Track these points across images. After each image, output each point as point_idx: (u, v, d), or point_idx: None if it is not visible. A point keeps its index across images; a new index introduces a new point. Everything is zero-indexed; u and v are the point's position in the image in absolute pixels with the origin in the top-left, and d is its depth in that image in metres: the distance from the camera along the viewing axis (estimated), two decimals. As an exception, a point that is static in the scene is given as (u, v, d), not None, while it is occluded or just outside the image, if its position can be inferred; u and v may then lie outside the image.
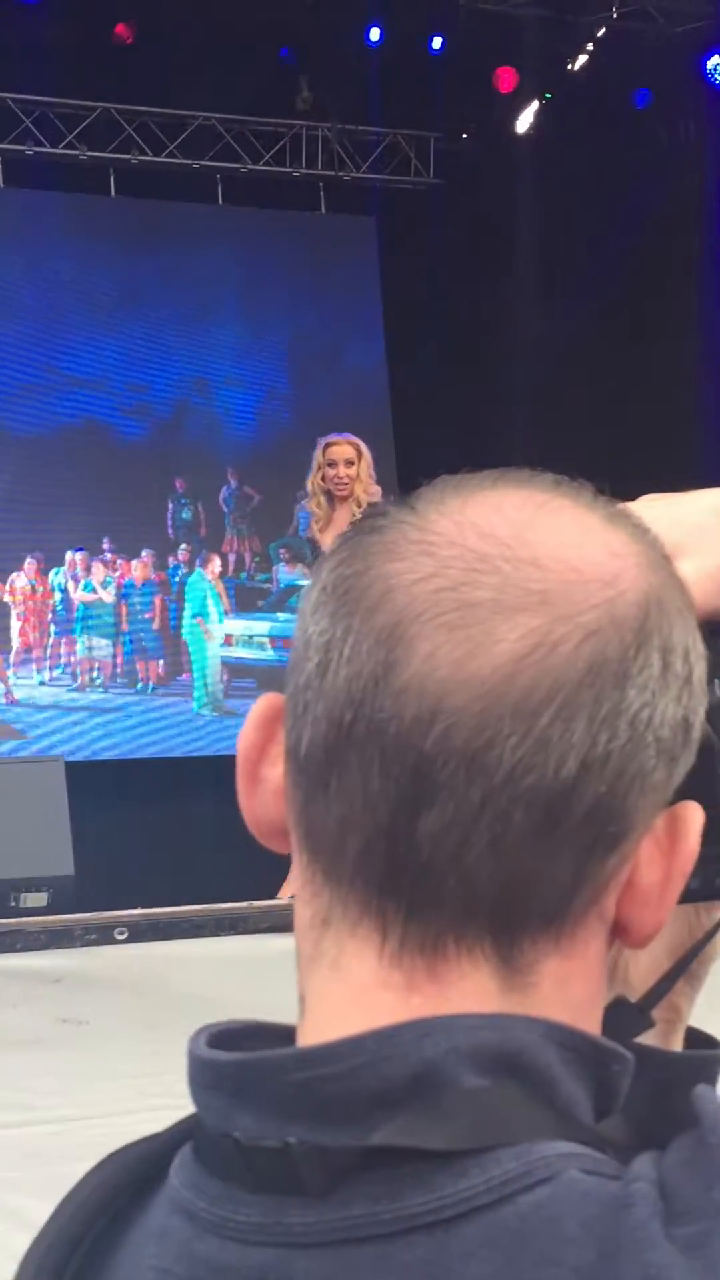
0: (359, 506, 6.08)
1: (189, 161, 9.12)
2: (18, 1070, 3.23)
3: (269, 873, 5.82)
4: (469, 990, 0.60)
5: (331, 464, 6.05)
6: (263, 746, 0.67)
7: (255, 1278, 0.58)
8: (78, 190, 9.08)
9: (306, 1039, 0.63)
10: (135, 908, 3.82)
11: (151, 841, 6.18)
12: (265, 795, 0.67)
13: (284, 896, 5.17)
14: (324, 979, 0.63)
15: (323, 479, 6.07)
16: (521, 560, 0.61)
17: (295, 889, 0.66)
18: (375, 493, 6.18)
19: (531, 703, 0.59)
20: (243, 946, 3.51)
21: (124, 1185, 0.66)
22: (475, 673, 0.59)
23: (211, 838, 8.04)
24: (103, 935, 3.36)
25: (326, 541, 6.09)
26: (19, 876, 3.66)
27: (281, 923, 3.55)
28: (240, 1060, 0.61)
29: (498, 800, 0.58)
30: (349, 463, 6.07)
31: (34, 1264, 0.65)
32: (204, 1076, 0.62)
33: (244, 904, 3.55)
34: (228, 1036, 0.64)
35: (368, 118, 9.27)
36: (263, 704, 0.68)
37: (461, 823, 0.59)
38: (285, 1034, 0.66)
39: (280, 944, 3.56)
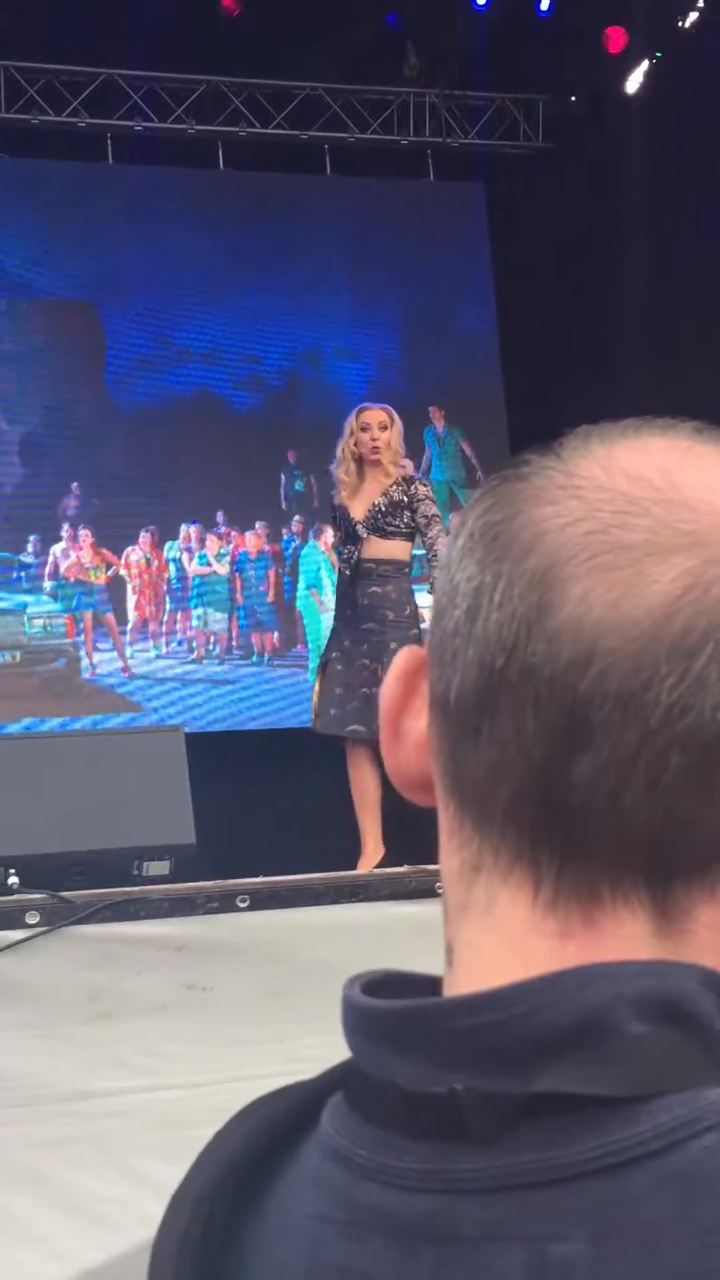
0: (386, 476, 6.08)
1: (296, 132, 9.11)
2: (145, 1036, 3.27)
3: (391, 838, 5.83)
4: (624, 937, 0.60)
5: (365, 428, 6.10)
6: (405, 699, 0.67)
7: (420, 1222, 0.58)
8: (186, 165, 9.11)
9: (457, 988, 0.63)
10: (255, 876, 3.85)
11: (268, 811, 6.22)
12: (408, 748, 0.67)
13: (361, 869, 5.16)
14: (475, 928, 0.63)
15: (355, 444, 6.10)
16: (672, 502, 0.61)
17: (442, 838, 0.66)
18: (406, 465, 6.19)
19: (688, 643, 0.58)
20: (363, 914, 3.52)
21: (274, 1133, 0.67)
22: (629, 614, 0.58)
23: (328, 807, 8.09)
24: (225, 903, 3.39)
25: (356, 509, 6.05)
26: (141, 845, 3.70)
27: (402, 890, 3.56)
28: (400, 1008, 0.61)
29: (654, 742, 0.58)
30: (382, 427, 6.12)
31: (186, 1211, 0.66)
32: (362, 1024, 0.62)
33: (364, 872, 3.55)
34: (377, 986, 0.64)
35: (475, 82, 9.20)
36: (404, 657, 0.68)
37: (617, 766, 0.58)
38: (430, 984, 0.66)
39: (401, 911, 3.57)
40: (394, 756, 0.68)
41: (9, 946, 3.25)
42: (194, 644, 8.80)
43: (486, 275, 9.55)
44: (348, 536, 6.09)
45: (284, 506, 9.12)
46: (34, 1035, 3.25)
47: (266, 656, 8.91)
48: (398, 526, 6.06)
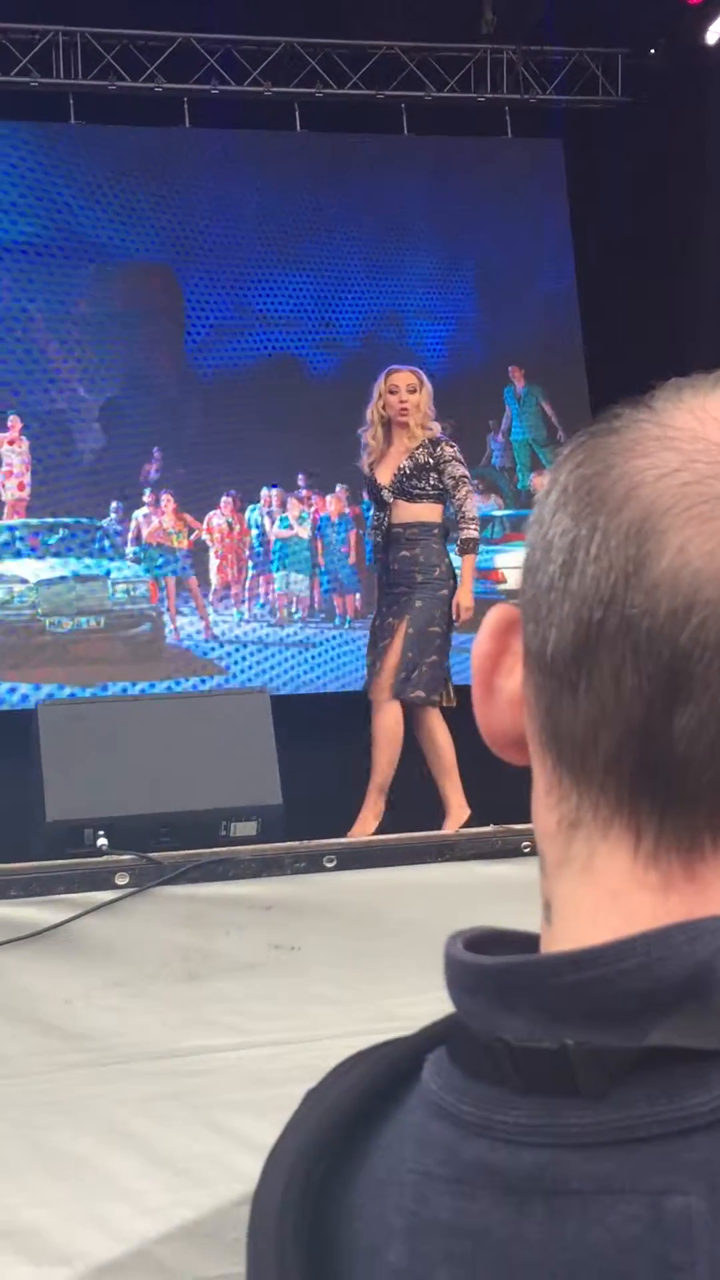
0: (413, 439, 6.03)
1: (373, 92, 9.06)
2: (234, 995, 3.30)
3: (474, 797, 5.84)
4: None
5: (394, 390, 6.09)
6: (497, 657, 0.67)
7: (529, 1177, 0.58)
8: (263, 127, 9.09)
9: (557, 944, 0.63)
10: (341, 837, 3.87)
11: (352, 773, 6.23)
12: (500, 705, 0.67)
13: (354, 835, 5.19)
14: (574, 883, 0.63)
15: (384, 406, 6.07)
16: None
17: (536, 795, 0.66)
18: (434, 428, 6.13)
19: None
20: (449, 874, 3.52)
21: (372, 1089, 0.67)
22: None
23: (411, 768, 8.10)
24: (312, 863, 3.40)
25: (382, 474, 6.03)
26: (229, 806, 3.72)
27: (488, 850, 3.57)
28: (506, 964, 0.61)
29: None
30: (411, 390, 6.10)
31: (285, 1167, 0.66)
32: (466, 980, 0.63)
33: (451, 832, 3.56)
34: (477, 942, 0.64)
35: (552, 37, 9.10)
36: (496, 614, 0.68)
37: (718, 717, 0.58)
38: (529, 941, 0.66)
39: (487, 871, 3.57)
40: (486, 714, 0.68)
41: (99, 907, 3.29)
42: (276, 607, 8.82)
43: (565, 232, 9.47)
44: (377, 503, 6.09)
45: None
46: (124, 994, 3.28)
47: (348, 618, 8.92)
48: (425, 489, 6.03)
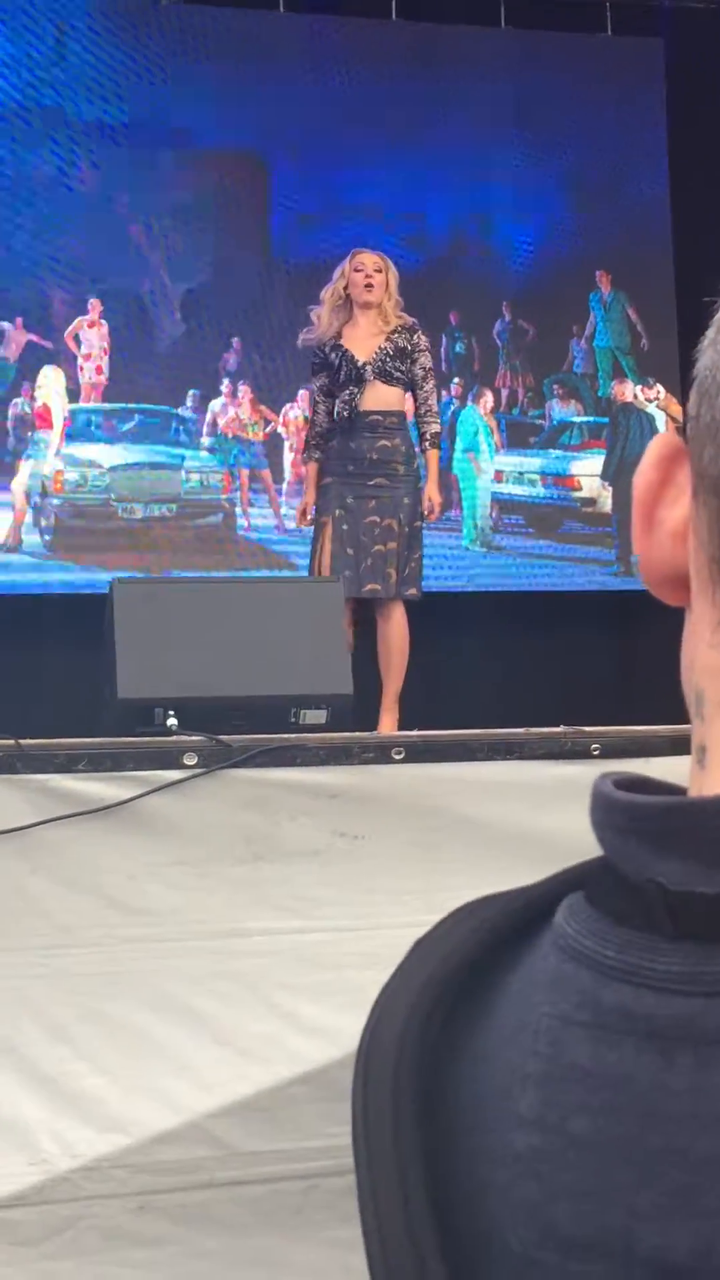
0: (386, 322, 5.90)
1: (472, -18, 8.88)
2: (296, 880, 3.31)
3: (543, 701, 5.83)
4: None
5: (359, 269, 5.93)
6: (659, 487, 0.65)
7: (677, 1025, 0.56)
8: (358, 14, 8.93)
9: (713, 789, 0.61)
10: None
11: (422, 671, 6.23)
12: (662, 539, 0.65)
13: (382, 731, 5.15)
14: None
15: (348, 285, 5.93)
16: None
17: (700, 630, 0.63)
18: (407, 317, 5.99)
19: None
20: (517, 772, 3.51)
21: (497, 933, 0.65)
22: None
23: (480, 669, 8.09)
24: (380, 754, 3.40)
25: (359, 351, 5.82)
26: (299, 693, 3.72)
27: (557, 750, 3.55)
28: (668, 804, 0.59)
29: None
30: (377, 269, 5.94)
31: (403, 1009, 0.64)
32: (619, 820, 0.60)
33: (520, 730, 3.54)
34: (626, 786, 0.62)
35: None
36: (659, 442, 0.66)
37: None
38: (674, 791, 0.64)
39: (555, 771, 3.56)
40: (646, 548, 0.66)
41: (166, 786, 3.30)
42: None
43: (661, 137, 9.28)
44: (353, 379, 5.88)
45: (444, 368, 9.02)
46: (188, 873, 3.31)
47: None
48: (402, 374, 5.90)
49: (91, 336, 8.53)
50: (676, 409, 8.97)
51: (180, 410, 8.64)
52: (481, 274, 9.07)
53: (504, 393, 9.06)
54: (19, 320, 8.43)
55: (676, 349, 8.79)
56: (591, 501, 8.99)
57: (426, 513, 5.93)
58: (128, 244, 8.62)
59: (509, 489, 8.96)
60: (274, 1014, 3.20)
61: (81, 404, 8.51)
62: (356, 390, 5.82)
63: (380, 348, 5.84)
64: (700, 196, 8.86)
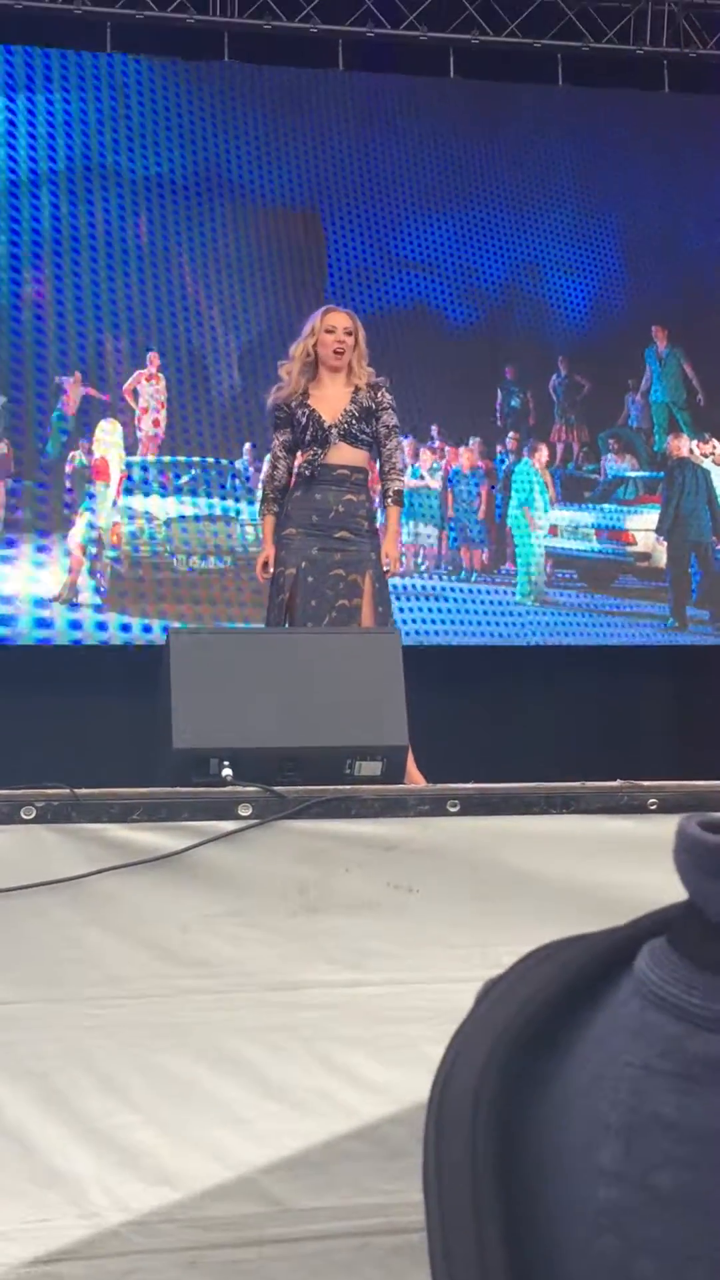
0: (356, 380, 5.79)
1: (529, 41, 8.94)
2: (350, 932, 3.29)
3: (596, 756, 5.79)
4: None
5: (331, 329, 5.79)
6: None
7: None
8: (416, 73, 9.01)
9: None
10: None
11: (475, 724, 6.21)
12: None
13: (411, 783, 5.06)
14: None
15: (315, 345, 5.81)
16: None
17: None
18: (371, 373, 5.88)
19: None
20: (574, 826, 3.48)
21: (577, 978, 0.63)
22: None
23: (533, 722, 8.06)
24: (435, 806, 3.37)
25: (325, 412, 5.73)
26: (355, 744, 3.70)
27: (614, 805, 3.52)
28: None
29: None
30: (348, 331, 5.82)
31: (483, 1051, 0.62)
32: (707, 863, 0.59)
33: (576, 784, 3.51)
34: (714, 827, 0.60)
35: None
36: None
37: None
38: None
39: (611, 825, 3.53)
40: None
41: (221, 837, 3.29)
42: (404, 557, 8.80)
43: (717, 192, 9.30)
44: (314, 440, 5.81)
45: (499, 423, 9.04)
46: (242, 924, 3.29)
47: (475, 572, 8.88)
48: (367, 434, 5.82)
49: (149, 390, 8.59)
50: (732, 464, 8.94)
51: (236, 463, 8.68)
52: (536, 328, 9.10)
53: (559, 447, 9.07)
54: (77, 374, 8.51)
55: (733, 404, 8.78)
56: (646, 556, 8.96)
57: (385, 569, 5.84)
58: (185, 298, 8.69)
59: (563, 543, 8.95)
60: (327, 1068, 3.17)
61: (138, 457, 8.57)
62: (321, 451, 5.77)
63: (345, 409, 5.76)
64: (757, 252, 8.87)
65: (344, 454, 5.76)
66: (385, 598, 5.84)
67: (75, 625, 8.29)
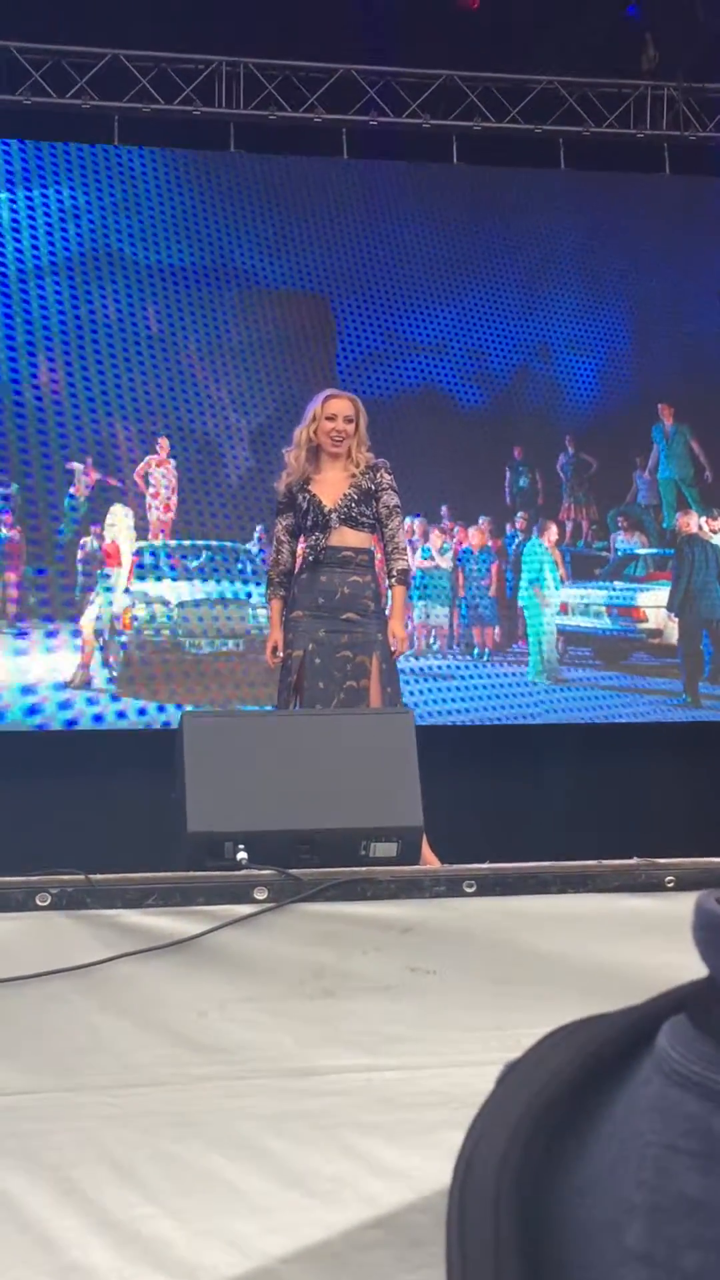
0: (357, 468, 5.80)
1: (531, 127, 9.06)
2: (368, 1016, 3.26)
3: (611, 834, 5.76)
4: None
5: (331, 417, 5.80)
6: None
7: None
8: (420, 159, 9.13)
9: None
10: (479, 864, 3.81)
11: (490, 802, 6.19)
12: None
13: (426, 864, 5.01)
14: None
15: (316, 431, 5.83)
16: None
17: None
18: (369, 456, 5.87)
19: None
20: (591, 905, 3.46)
21: (598, 1057, 0.62)
22: None
23: (548, 801, 8.02)
24: (451, 887, 3.36)
25: (325, 497, 5.75)
26: (370, 826, 3.69)
27: (631, 883, 3.50)
28: None
29: None
30: (349, 419, 5.82)
31: (504, 1134, 0.62)
32: None
33: (593, 862, 3.49)
34: None
35: (715, 74, 9.04)
36: None
37: None
38: None
39: (629, 904, 3.50)
40: None
41: (236, 921, 3.27)
42: (415, 637, 8.81)
43: (718, 270, 9.39)
44: (315, 525, 5.84)
45: (508, 502, 9.08)
46: (258, 1009, 3.26)
47: (486, 651, 8.88)
48: (368, 516, 5.83)
49: (159, 475, 8.65)
50: (742, 539, 8.96)
51: (247, 545, 8.71)
52: (544, 408, 9.16)
53: (568, 525, 9.10)
54: (88, 459, 8.57)
55: (741, 480, 8.81)
56: (658, 633, 8.96)
57: (392, 649, 5.85)
58: (195, 383, 8.76)
59: (575, 621, 8.95)
60: (346, 1155, 3.13)
61: (150, 541, 8.60)
62: (323, 535, 5.78)
63: (345, 494, 5.78)
64: (761, 329, 8.93)
65: (346, 537, 5.78)
66: (393, 678, 5.84)
67: (88, 707, 8.29)
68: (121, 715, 8.30)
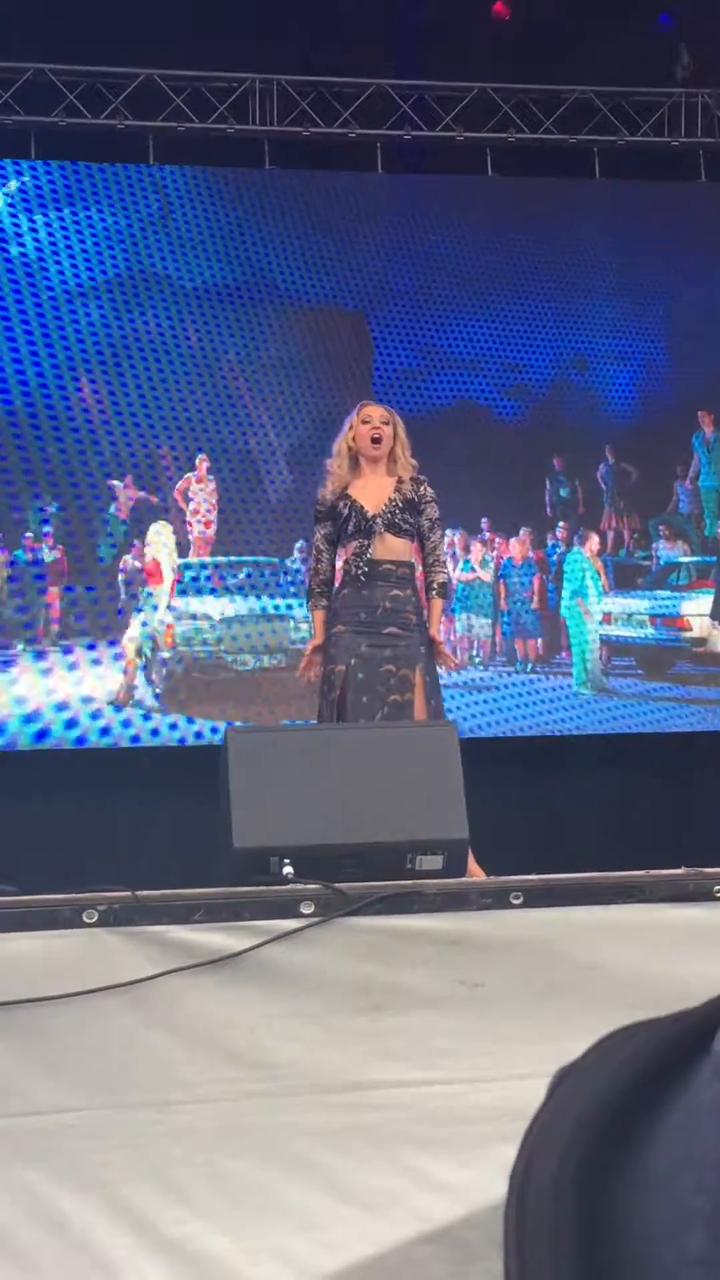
0: (399, 473, 5.79)
1: (565, 137, 9.05)
2: (418, 1030, 3.25)
3: (655, 845, 5.73)
4: None
5: (366, 421, 5.83)
6: None
7: None
8: (454, 172, 9.13)
9: None
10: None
11: (535, 816, 6.17)
12: None
13: (471, 876, 4.98)
14: None
15: (354, 438, 5.84)
16: None
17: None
18: (415, 465, 5.87)
19: None
20: (637, 915, 3.44)
21: (653, 1063, 0.61)
22: None
23: (594, 813, 7.99)
24: (498, 900, 3.35)
25: (368, 504, 5.75)
26: (414, 839, 3.68)
27: (679, 893, 3.48)
28: None
29: None
30: (384, 421, 5.85)
31: (561, 1143, 0.61)
32: None
33: (641, 872, 3.47)
34: None
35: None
36: None
37: None
38: None
39: (677, 914, 3.48)
40: None
41: (283, 936, 3.27)
42: (458, 650, 8.80)
43: (758, 277, 9.36)
44: (364, 533, 5.86)
45: (549, 513, 9.06)
46: (306, 1024, 3.25)
47: (529, 663, 8.86)
48: (410, 526, 5.83)
49: (200, 492, 8.67)
50: (785, 546, 8.91)
51: (287, 561, 8.72)
52: (583, 419, 9.14)
53: (610, 535, 9.07)
54: (128, 478, 8.60)
55: (782, 486, 8.77)
56: (702, 641, 8.92)
57: (447, 667, 5.91)
58: (233, 400, 8.78)
59: (618, 631, 8.92)
60: (397, 1170, 3.11)
61: (191, 558, 8.62)
62: (366, 542, 5.78)
63: (389, 499, 5.78)
64: None
65: (390, 546, 5.78)
66: (436, 691, 5.84)
67: (133, 725, 8.31)
68: (158, 729, 8.31)
